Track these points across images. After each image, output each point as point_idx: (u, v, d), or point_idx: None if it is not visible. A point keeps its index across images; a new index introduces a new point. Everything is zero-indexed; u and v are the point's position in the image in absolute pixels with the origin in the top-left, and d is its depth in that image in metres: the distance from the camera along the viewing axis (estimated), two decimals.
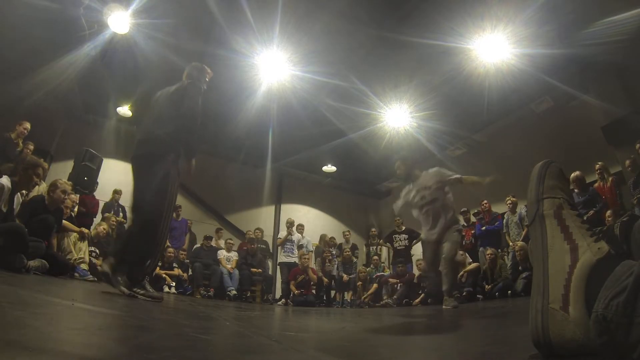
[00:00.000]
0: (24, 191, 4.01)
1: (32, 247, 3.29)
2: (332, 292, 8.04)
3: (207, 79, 3.16)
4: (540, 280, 0.75)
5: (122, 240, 2.89)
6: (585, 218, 0.88)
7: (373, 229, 9.07)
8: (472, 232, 7.01)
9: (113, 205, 6.90)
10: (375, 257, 8.09)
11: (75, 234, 4.82)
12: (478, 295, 5.77)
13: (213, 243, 7.72)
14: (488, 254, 6.01)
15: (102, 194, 7.04)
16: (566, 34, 5.66)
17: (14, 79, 5.84)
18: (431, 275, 4.36)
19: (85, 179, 6.36)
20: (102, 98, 7.68)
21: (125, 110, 8.22)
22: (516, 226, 6.27)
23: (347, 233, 8.97)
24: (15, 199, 3.31)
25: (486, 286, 5.76)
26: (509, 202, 6.40)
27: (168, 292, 6.20)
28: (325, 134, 8.54)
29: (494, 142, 8.60)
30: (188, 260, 7.17)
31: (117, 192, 7.04)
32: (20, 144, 5.19)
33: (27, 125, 5.21)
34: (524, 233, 6.00)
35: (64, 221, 4.55)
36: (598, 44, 5.51)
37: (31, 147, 5.41)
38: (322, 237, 8.67)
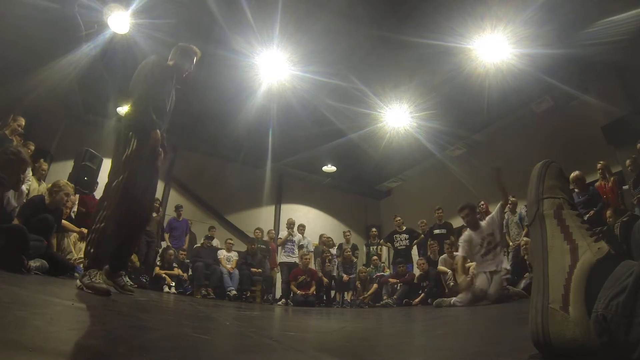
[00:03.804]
0: (24, 188, 3.99)
1: (33, 246, 3.28)
2: (332, 292, 8.04)
3: (193, 60, 2.96)
4: (540, 280, 0.75)
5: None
6: (585, 218, 0.88)
7: (373, 229, 9.07)
8: None
9: None
10: (375, 257, 8.09)
11: (75, 234, 4.82)
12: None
13: (213, 243, 7.73)
14: None
15: None
16: (566, 34, 5.66)
17: (14, 79, 5.84)
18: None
19: (85, 179, 6.35)
20: (102, 98, 7.68)
21: (125, 110, 8.20)
22: (516, 226, 6.26)
23: (348, 233, 8.97)
24: (5, 198, 3.21)
25: None
26: (509, 202, 6.39)
27: (168, 292, 6.20)
28: (325, 134, 8.55)
29: (494, 142, 8.60)
30: (188, 260, 7.17)
31: None
32: (16, 141, 5.10)
33: (21, 121, 5.04)
34: (524, 233, 6.00)
35: (63, 221, 4.55)
36: (598, 44, 5.52)
37: (32, 147, 5.39)
38: (321, 237, 8.68)
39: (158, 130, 2.63)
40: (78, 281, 2.29)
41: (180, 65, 2.89)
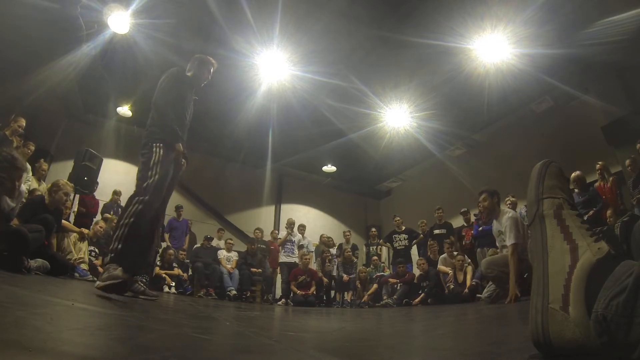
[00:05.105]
0: (24, 188, 3.97)
1: (33, 238, 3.23)
2: (332, 292, 8.04)
3: (210, 70, 3.05)
4: (540, 281, 0.75)
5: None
6: (585, 218, 0.88)
7: (373, 229, 9.07)
8: (472, 232, 7.00)
9: (113, 205, 6.89)
10: (375, 257, 8.09)
11: (75, 234, 4.82)
12: (478, 295, 5.75)
13: (213, 243, 7.73)
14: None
15: (102, 194, 7.04)
16: (566, 34, 5.67)
17: (14, 79, 5.84)
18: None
19: (85, 179, 6.34)
20: (102, 98, 7.68)
21: (125, 110, 8.22)
22: None
23: (348, 233, 8.97)
24: (2, 199, 3.17)
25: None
26: (509, 202, 6.39)
27: (168, 292, 6.20)
28: (325, 134, 8.55)
29: (494, 142, 8.60)
30: (188, 260, 7.17)
31: (116, 193, 7.03)
32: (16, 141, 5.07)
33: (22, 122, 5.01)
34: None
35: (63, 221, 4.54)
36: (598, 44, 5.52)
37: (32, 147, 5.38)
38: (321, 237, 8.69)
39: (180, 144, 2.73)
40: (98, 282, 2.21)
41: (198, 76, 2.99)
